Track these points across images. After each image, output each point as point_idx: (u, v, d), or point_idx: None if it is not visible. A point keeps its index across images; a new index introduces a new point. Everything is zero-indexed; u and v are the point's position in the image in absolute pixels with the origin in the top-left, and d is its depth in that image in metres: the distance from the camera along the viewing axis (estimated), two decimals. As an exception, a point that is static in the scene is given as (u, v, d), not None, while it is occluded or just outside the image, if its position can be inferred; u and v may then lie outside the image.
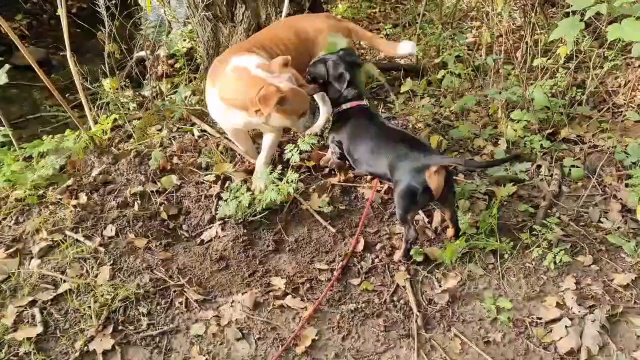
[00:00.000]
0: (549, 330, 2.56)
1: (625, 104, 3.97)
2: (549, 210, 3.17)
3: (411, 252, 2.87)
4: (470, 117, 4.05)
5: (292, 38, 3.48)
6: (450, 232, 2.96)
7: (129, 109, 4.41)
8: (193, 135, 3.84)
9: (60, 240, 2.96)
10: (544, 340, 2.51)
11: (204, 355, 2.46)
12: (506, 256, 2.89)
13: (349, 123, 3.06)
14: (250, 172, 3.41)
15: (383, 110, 4.20)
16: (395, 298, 2.73)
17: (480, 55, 4.45)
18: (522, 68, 3.89)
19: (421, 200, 2.71)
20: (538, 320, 2.60)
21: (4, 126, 3.56)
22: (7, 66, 3.31)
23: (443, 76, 4.25)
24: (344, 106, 3.11)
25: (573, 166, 3.45)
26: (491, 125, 3.90)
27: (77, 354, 2.42)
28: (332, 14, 4.11)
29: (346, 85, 3.08)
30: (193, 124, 3.94)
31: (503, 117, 3.82)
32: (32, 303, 2.65)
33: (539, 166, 3.50)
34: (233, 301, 2.69)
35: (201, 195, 3.28)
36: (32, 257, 2.90)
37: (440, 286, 2.77)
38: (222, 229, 3.05)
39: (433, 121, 4.01)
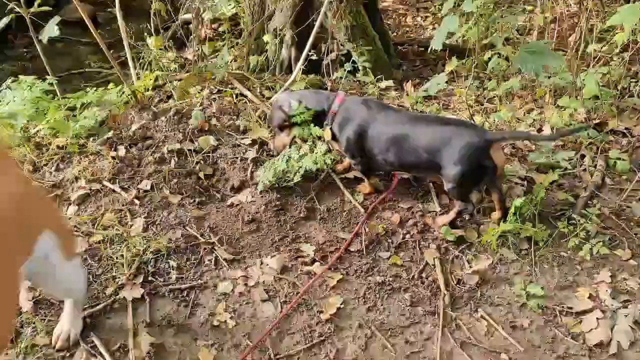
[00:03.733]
0: (579, 320, 2.50)
1: (679, 99, 3.81)
2: (589, 201, 3.07)
3: (442, 230, 2.84)
4: (515, 102, 3.94)
5: None
6: (497, 215, 2.90)
7: (170, 70, 4.44)
8: (232, 98, 3.84)
9: (98, 189, 3.02)
10: (573, 330, 2.45)
11: (230, 313, 2.48)
12: (541, 243, 2.82)
13: (353, 121, 2.92)
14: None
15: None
16: (423, 275, 2.71)
17: (532, 39, 4.32)
18: (574, 54, 3.76)
19: (487, 178, 2.72)
20: (568, 310, 2.54)
21: (49, 76, 3.63)
22: (57, 18, 3.35)
23: (489, 58, 4.14)
24: (334, 107, 2.98)
25: (619, 159, 3.34)
26: (536, 110, 3.79)
27: (109, 300, 2.48)
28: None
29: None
30: (233, 88, 3.94)
31: (550, 102, 3.71)
32: (68, 247, 2.72)
33: (582, 156, 3.40)
34: (262, 263, 2.71)
35: (237, 158, 3.29)
36: (69, 204, 2.97)
37: (470, 267, 2.74)
38: (256, 192, 3.06)
39: (476, 103, 3.93)
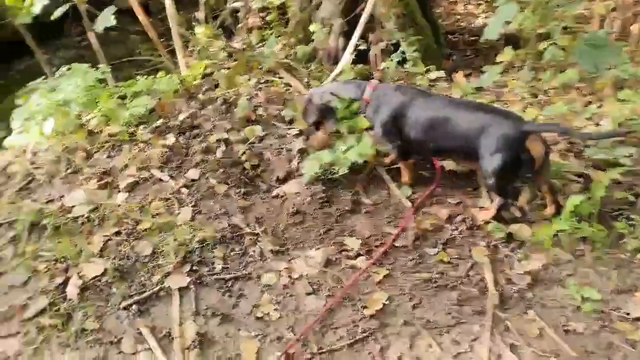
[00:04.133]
0: (637, 327, 2.37)
1: None
2: (651, 201, 2.91)
3: (491, 228, 2.75)
4: (572, 94, 3.77)
5: None
6: (550, 210, 2.79)
7: (218, 58, 4.46)
8: (279, 88, 3.83)
9: (146, 177, 3.06)
10: (631, 338, 2.33)
11: (274, 305, 2.48)
12: (598, 244, 2.69)
13: (389, 105, 2.89)
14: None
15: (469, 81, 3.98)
16: (471, 273, 2.62)
17: (592, 29, 4.11)
18: (637, 45, 3.55)
19: (523, 170, 2.61)
20: (626, 316, 2.42)
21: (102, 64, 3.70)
22: (113, 7, 3.40)
23: (545, 48, 3.96)
24: (367, 95, 2.96)
25: (684, 157, 3.14)
26: (595, 104, 3.61)
27: (155, 287, 2.52)
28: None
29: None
30: (280, 77, 3.92)
31: (611, 96, 3.52)
32: (117, 234, 2.78)
33: (644, 153, 3.22)
34: (306, 256, 2.70)
35: (283, 148, 3.28)
36: (119, 191, 3.03)
37: (521, 267, 2.64)
38: (301, 184, 3.04)
39: (530, 95, 3.78)
